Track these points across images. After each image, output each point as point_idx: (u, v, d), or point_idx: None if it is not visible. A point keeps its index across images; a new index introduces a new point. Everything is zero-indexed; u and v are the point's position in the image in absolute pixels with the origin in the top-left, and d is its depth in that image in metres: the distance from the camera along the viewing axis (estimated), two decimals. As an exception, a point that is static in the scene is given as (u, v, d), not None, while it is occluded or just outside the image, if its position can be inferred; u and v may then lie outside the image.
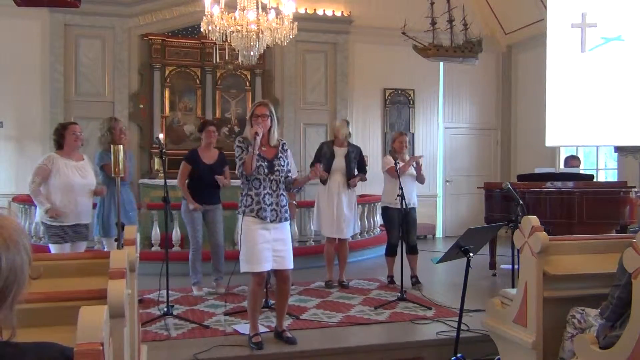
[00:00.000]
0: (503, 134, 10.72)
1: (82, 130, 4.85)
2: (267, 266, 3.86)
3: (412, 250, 5.82)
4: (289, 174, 4.13)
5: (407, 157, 6.05)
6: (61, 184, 4.50)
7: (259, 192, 3.88)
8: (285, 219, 3.97)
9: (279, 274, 4.00)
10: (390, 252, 5.93)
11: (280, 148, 4.03)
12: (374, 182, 9.66)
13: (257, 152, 3.86)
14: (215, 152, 5.62)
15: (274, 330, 4.17)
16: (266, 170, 3.90)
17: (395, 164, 5.45)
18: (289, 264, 3.96)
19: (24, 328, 1.21)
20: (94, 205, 5.06)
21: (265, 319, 4.55)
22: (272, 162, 3.94)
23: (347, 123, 6.02)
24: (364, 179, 6.06)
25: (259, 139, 3.84)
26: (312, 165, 5.81)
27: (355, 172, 5.96)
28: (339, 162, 5.84)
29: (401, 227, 5.67)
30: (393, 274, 5.89)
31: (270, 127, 3.99)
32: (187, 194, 5.44)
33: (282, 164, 3.99)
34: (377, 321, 4.61)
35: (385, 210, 5.96)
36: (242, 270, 3.93)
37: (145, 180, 8.50)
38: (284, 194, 4.01)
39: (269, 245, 3.85)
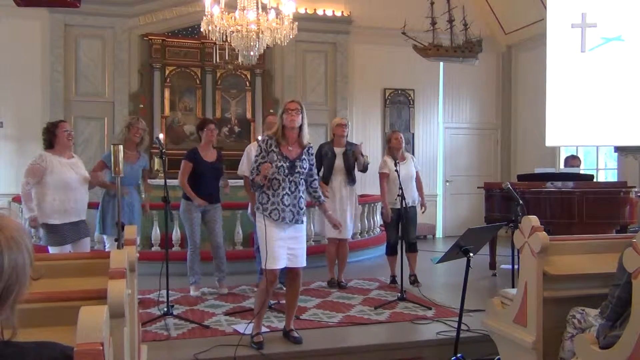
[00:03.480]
0: (503, 134, 10.72)
1: (74, 129, 4.83)
2: (281, 263, 3.87)
3: (412, 248, 5.82)
4: (314, 178, 4.11)
5: (407, 156, 6.05)
6: (57, 181, 4.45)
7: (278, 193, 3.86)
8: (302, 222, 3.95)
9: (290, 271, 4.02)
10: (390, 252, 5.93)
11: (305, 150, 4.00)
12: (374, 182, 9.63)
13: (279, 151, 3.86)
14: (214, 151, 5.59)
15: (280, 329, 4.19)
16: (286, 170, 3.87)
17: (396, 163, 5.44)
18: (302, 262, 3.97)
19: (24, 328, 1.21)
20: (96, 205, 5.05)
21: (265, 319, 4.54)
22: (294, 162, 3.90)
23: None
24: (364, 163, 5.95)
25: (267, 179, 3.81)
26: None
27: (355, 170, 5.98)
28: (340, 162, 5.87)
29: (399, 225, 5.69)
30: (395, 274, 5.88)
31: (301, 124, 3.96)
32: (191, 192, 5.38)
33: (304, 166, 3.95)
34: (377, 321, 4.61)
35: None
36: (263, 267, 3.94)
37: (146, 180, 8.51)
38: (303, 196, 3.97)
39: (284, 243, 3.86)
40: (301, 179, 3.96)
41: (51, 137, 4.57)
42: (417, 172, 6.07)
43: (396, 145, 5.93)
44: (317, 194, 4.14)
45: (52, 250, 4.50)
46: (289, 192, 3.89)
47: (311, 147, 4.09)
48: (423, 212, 6.13)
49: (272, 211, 3.84)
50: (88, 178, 4.74)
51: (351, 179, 5.92)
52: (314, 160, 4.13)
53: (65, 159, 4.59)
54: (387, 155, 6.02)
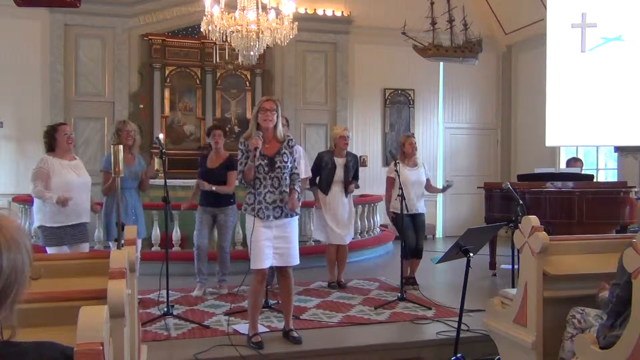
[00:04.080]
0: (503, 134, 10.72)
1: (74, 131, 4.82)
2: (266, 263, 3.87)
3: (417, 254, 5.81)
4: (296, 172, 4.09)
5: (418, 163, 5.98)
6: (59, 183, 4.44)
7: (260, 192, 3.87)
8: (291, 215, 3.95)
9: (280, 270, 4.02)
10: (407, 255, 5.70)
11: (285, 144, 3.99)
12: (374, 183, 9.69)
13: (259, 150, 3.85)
14: (223, 155, 5.56)
15: (280, 329, 4.19)
16: (266, 168, 3.88)
17: (396, 163, 5.43)
18: (292, 260, 3.96)
19: (24, 328, 1.21)
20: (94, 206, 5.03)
21: (265, 319, 4.55)
22: (273, 159, 3.91)
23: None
24: (357, 187, 6.05)
25: (258, 151, 3.81)
26: (312, 179, 5.86)
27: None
28: (339, 174, 5.84)
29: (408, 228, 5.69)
30: (407, 275, 5.79)
31: (276, 123, 3.97)
32: (200, 181, 5.39)
33: (285, 160, 3.94)
34: (377, 321, 4.60)
35: (396, 216, 5.76)
36: (250, 267, 3.95)
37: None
38: (286, 190, 3.94)
39: (270, 243, 3.86)
40: (284, 173, 3.93)
41: (51, 141, 4.59)
42: (427, 180, 6.01)
43: (409, 150, 5.86)
44: (293, 183, 4.03)
45: (50, 250, 4.48)
46: (272, 190, 3.88)
47: (291, 139, 4.05)
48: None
49: (258, 210, 3.85)
50: (90, 181, 4.74)
51: (347, 190, 5.90)
52: (303, 156, 4.09)
53: (67, 161, 4.58)
54: (399, 159, 5.89)
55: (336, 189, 5.85)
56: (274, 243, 3.88)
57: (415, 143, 5.93)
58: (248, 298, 4.11)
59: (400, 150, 6.00)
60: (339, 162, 5.85)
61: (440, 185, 10.28)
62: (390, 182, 5.78)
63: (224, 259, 5.57)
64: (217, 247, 5.61)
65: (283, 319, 4.23)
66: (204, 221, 5.46)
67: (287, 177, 3.98)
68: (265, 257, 3.85)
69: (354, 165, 5.96)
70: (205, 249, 5.51)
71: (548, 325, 3.01)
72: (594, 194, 6.08)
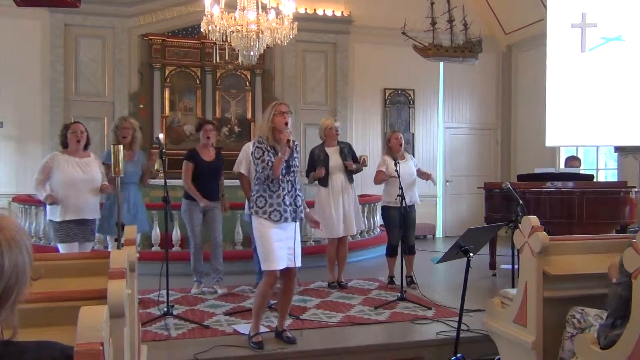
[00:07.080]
0: (503, 134, 10.72)
1: (85, 130, 4.88)
2: (281, 264, 3.86)
3: (410, 251, 5.79)
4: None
5: (406, 156, 6.03)
6: (61, 179, 4.58)
7: (279, 194, 3.87)
8: (300, 219, 4.01)
9: (287, 271, 4.00)
10: (391, 253, 5.93)
11: (294, 148, 4.00)
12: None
13: (275, 153, 3.90)
14: (213, 150, 5.62)
15: (274, 329, 4.18)
16: (284, 171, 3.90)
17: (396, 163, 5.43)
18: (299, 262, 3.99)
19: (24, 328, 1.21)
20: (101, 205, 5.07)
21: (265, 319, 4.54)
22: (288, 162, 3.93)
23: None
24: (359, 168, 6.04)
25: (291, 142, 3.85)
26: (308, 174, 5.87)
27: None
28: (336, 160, 5.81)
29: (401, 227, 5.68)
30: (393, 274, 5.89)
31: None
32: (196, 192, 5.39)
33: (297, 164, 4.01)
34: (377, 321, 4.60)
35: (385, 210, 5.94)
36: (262, 269, 3.95)
37: (145, 180, 8.50)
38: (300, 194, 4.00)
39: (284, 244, 3.86)
40: (295, 177, 3.99)
41: (63, 139, 4.79)
42: (418, 169, 6.07)
43: (395, 146, 5.89)
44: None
45: (61, 248, 4.61)
46: (288, 192, 3.91)
47: (297, 143, 4.07)
48: (428, 180, 6.05)
49: (271, 213, 3.84)
50: (99, 179, 4.76)
51: (351, 176, 5.91)
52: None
53: (77, 158, 4.69)
54: (386, 154, 5.99)
55: (337, 179, 5.80)
56: (287, 244, 3.88)
57: (400, 138, 5.95)
58: (255, 298, 4.10)
59: (387, 145, 6.06)
60: (332, 150, 5.83)
61: (440, 186, 10.35)
62: (379, 174, 5.88)
63: (217, 254, 5.56)
64: (211, 243, 5.58)
65: (278, 319, 4.19)
66: (197, 219, 5.47)
67: (298, 181, 4.03)
68: (280, 257, 3.84)
69: (350, 151, 5.94)
70: (202, 246, 5.54)
71: (548, 325, 3.02)
72: (594, 194, 6.08)
